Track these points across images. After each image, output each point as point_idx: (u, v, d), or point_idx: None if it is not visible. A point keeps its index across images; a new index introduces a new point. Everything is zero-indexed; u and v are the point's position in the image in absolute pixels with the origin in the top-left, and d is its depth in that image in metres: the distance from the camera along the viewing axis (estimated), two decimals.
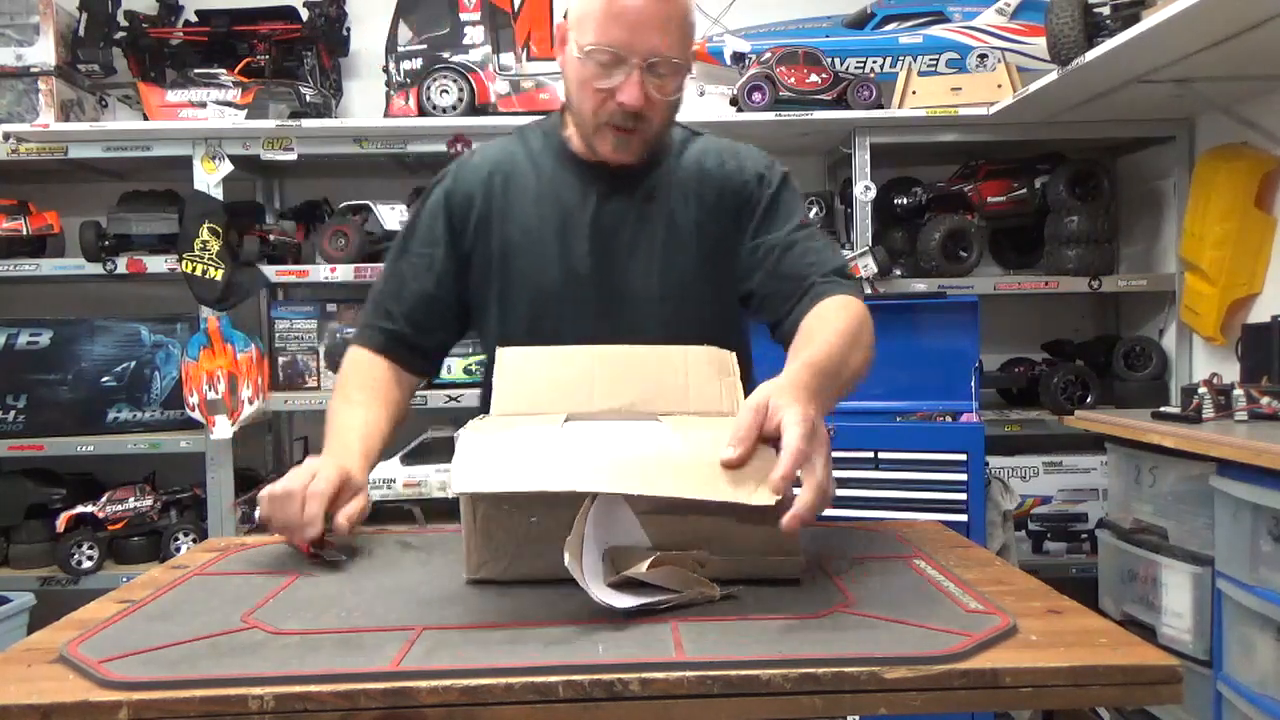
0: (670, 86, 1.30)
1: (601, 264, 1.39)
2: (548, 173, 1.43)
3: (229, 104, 2.82)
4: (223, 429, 2.73)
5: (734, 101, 2.80)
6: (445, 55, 2.81)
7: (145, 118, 2.85)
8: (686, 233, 1.40)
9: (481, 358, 2.82)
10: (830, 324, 1.24)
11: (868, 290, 2.68)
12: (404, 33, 2.87)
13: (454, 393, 2.78)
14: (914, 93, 2.75)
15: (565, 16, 1.34)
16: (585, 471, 0.96)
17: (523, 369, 1.20)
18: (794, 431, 0.95)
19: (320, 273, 2.78)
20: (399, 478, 2.76)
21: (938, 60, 2.88)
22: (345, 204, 2.91)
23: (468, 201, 1.43)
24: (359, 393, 1.39)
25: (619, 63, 1.26)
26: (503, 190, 1.43)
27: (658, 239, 1.39)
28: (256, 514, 1.19)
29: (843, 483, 1.54)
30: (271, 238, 2.89)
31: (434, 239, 1.44)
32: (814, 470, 0.94)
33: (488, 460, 1.00)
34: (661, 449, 1.02)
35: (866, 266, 2.67)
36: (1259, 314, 2.45)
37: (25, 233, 2.84)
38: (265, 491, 1.17)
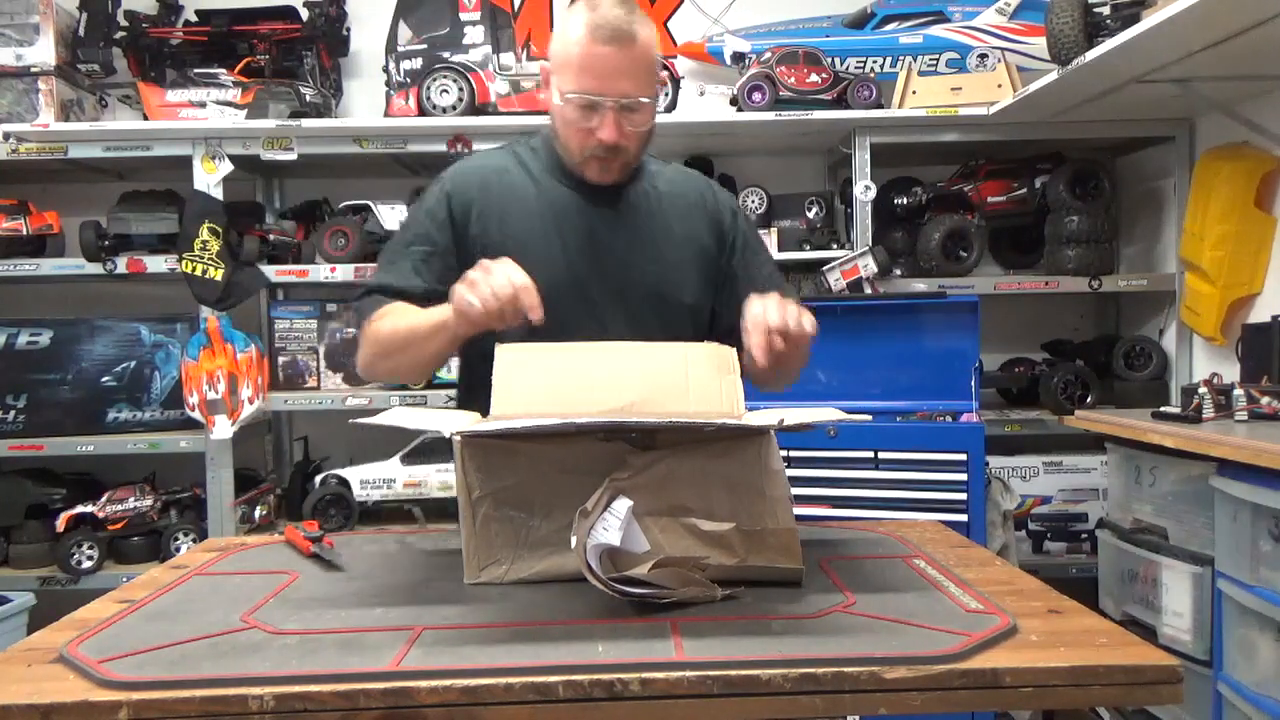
0: (641, 120, 1.45)
1: (599, 266, 1.49)
2: (541, 181, 1.53)
3: (229, 104, 2.82)
4: (222, 429, 2.73)
5: (734, 101, 2.80)
6: (445, 55, 2.81)
7: (145, 118, 2.85)
8: (682, 244, 1.54)
9: None
10: None
11: (867, 290, 2.68)
12: (404, 33, 2.87)
13: (453, 393, 2.77)
14: (914, 92, 2.75)
15: (549, 59, 1.48)
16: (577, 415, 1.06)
17: (521, 368, 1.19)
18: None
19: (320, 273, 2.78)
20: (399, 478, 2.76)
21: (938, 60, 2.88)
22: (345, 204, 2.91)
23: (468, 204, 1.51)
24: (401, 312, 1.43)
25: (595, 106, 1.41)
26: (500, 194, 1.51)
27: (657, 247, 1.52)
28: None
29: (843, 483, 1.55)
30: (271, 238, 2.89)
31: (434, 238, 1.50)
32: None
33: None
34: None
35: (866, 266, 2.67)
36: (1259, 314, 2.45)
37: (25, 233, 2.84)
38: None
